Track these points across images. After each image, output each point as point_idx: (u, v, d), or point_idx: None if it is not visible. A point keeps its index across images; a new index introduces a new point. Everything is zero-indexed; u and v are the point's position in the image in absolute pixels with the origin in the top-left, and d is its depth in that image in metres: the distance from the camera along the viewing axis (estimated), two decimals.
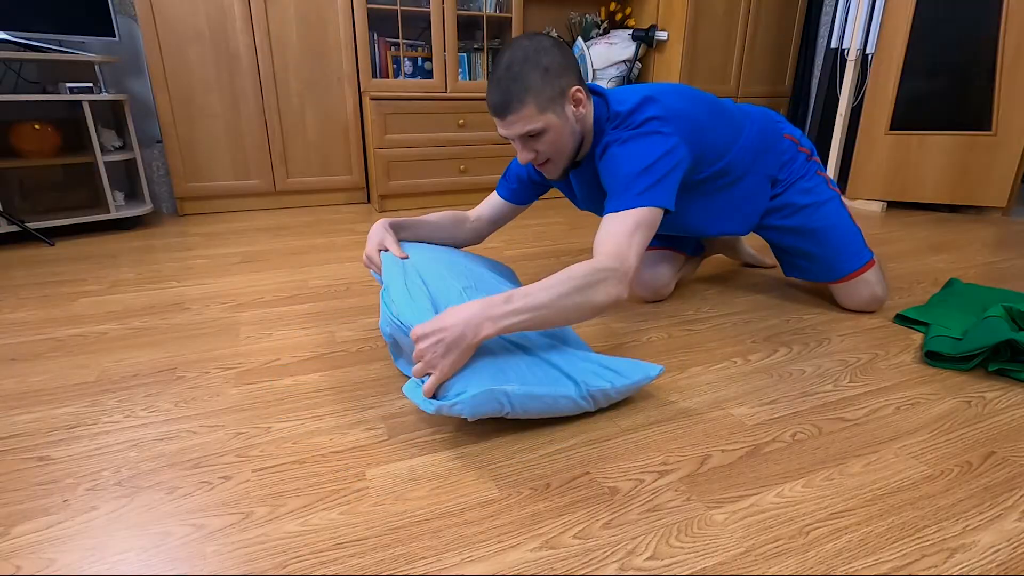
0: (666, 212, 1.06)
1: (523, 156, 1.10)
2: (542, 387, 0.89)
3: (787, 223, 1.35)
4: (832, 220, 1.33)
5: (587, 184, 1.24)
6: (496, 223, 1.37)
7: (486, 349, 0.92)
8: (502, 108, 1.03)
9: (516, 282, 1.34)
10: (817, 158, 1.38)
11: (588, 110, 1.11)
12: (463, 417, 0.86)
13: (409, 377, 1.00)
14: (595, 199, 1.26)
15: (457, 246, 1.34)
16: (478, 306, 0.86)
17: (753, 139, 1.27)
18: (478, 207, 1.37)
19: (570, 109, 1.06)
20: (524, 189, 1.33)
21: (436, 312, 0.96)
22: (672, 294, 1.55)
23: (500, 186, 1.36)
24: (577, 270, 0.91)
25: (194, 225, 2.33)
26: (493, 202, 1.36)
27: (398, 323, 0.95)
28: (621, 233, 0.98)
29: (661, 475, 0.82)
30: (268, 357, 1.18)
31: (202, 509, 0.75)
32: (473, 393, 0.83)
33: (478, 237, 1.37)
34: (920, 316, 1.32)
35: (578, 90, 1.05)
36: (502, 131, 1.08)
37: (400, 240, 1.22)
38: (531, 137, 1.06)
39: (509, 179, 1.34)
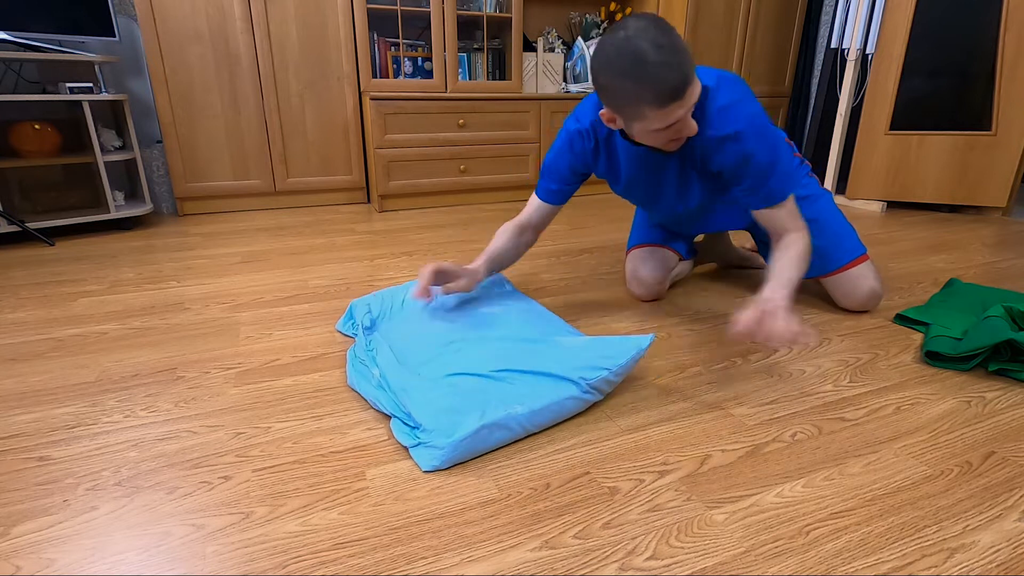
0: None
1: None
2: (544, 399, 0.90)
3: None
4: (826, 214, 1.37)
5: (645, 165, 1.21)
6: (543, 228, 1.34)
7: (478, 384, 0.93)
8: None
9: (504, 284, 1.36)
10: (808, 163, 1.42)
11: None
12: (474, 452, 0.86)
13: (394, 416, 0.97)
14: (648, 182, 1.24)
15: (520, 255, 1.35)
16: (768, 290, 1.02)
17: None
18: (526, 213, 1.31)
19: None
20: (568, 187, 1.28)
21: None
22: (672, 294, 1.55)
23: (540, 190, 1.29)
24: (800, 247, 1.10)
25: (194, 225, 2.33)
26: (538, 208, 1.30)
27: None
28: (791, 215, 1.14)
29: (661, 475, 0.82)
30: (268, 357, 1.18)
31: (202, 509, 0.75)
32: (482, 424, 0.85)
33: (532, 243, 1.36)
34: (920, 316, 1.32)
35: None
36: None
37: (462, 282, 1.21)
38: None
39: (550, 180, 1.27)
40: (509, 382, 0.93)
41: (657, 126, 0.99)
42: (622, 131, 1.16)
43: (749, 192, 1.14)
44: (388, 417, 0.95)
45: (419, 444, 0.85)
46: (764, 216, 1.15)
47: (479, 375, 0.95)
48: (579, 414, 0.96)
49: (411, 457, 0.85)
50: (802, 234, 1.12)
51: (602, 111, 1.05)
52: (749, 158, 1.09)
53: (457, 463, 0.84)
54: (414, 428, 0.88)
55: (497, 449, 0.88)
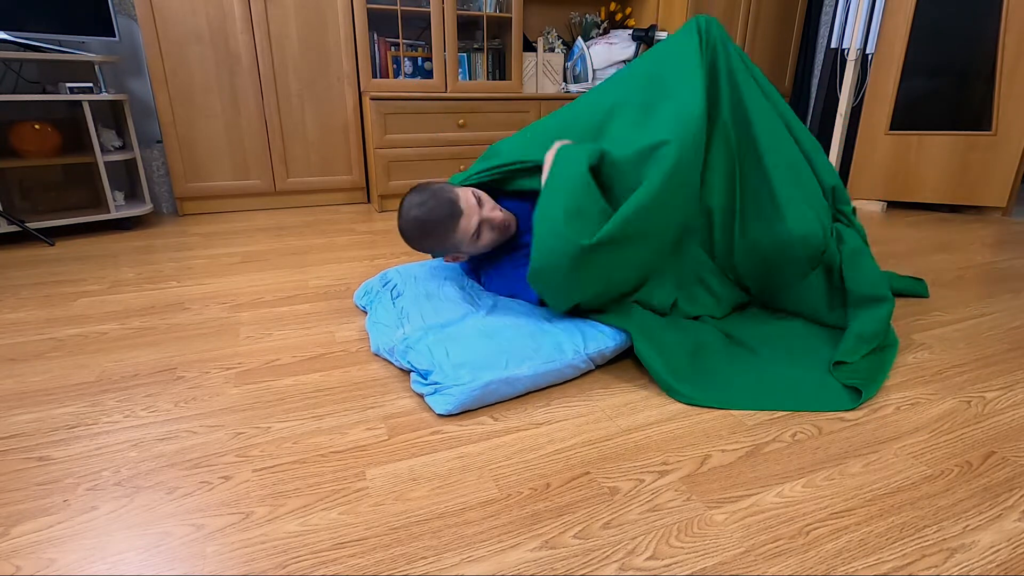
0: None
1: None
2: (549, 364, 1.02)
3: None
4: None
5: None
6: None
7: (487, 332, 1.08)
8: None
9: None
10: None
11: None
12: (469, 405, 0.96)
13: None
14: None
15: None
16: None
17: None
18: None
19: None
20: None
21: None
22: None
23: None
24: None
25: (194, 225, 2.33)
26: None
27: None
28: None
29: (661, 475, 0.82)
30: (268, 357, 1.18)
31: (202, 509, 0.75)
32: (491, 379, 0.97)
33: None
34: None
35: None
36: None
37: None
38: None
39: None
40: (519, 345, 1.05)
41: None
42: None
43: None
44: (387, 418, 0.95)
45: (435, 392, 0.97)
46: None
47: (493, 338, 1.07)
48: (579, 414, 0.97)
49: (429, 405, 0.97)
50: None
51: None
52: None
53: (465, 410, 0.96)
54: (427, 381, 1.00)
55: (499, 402, 0.99)
